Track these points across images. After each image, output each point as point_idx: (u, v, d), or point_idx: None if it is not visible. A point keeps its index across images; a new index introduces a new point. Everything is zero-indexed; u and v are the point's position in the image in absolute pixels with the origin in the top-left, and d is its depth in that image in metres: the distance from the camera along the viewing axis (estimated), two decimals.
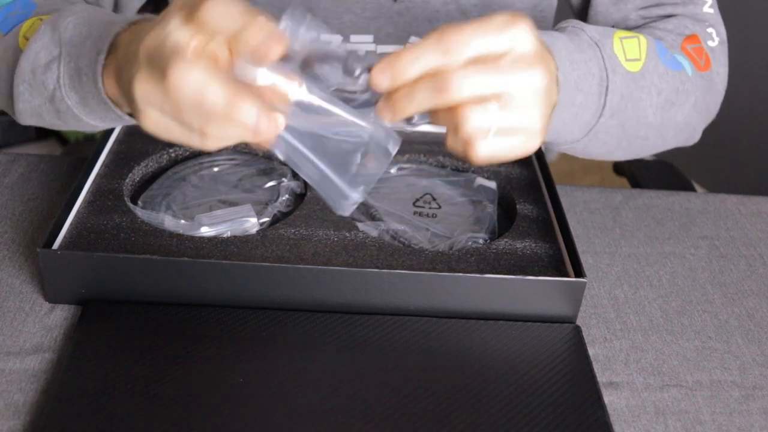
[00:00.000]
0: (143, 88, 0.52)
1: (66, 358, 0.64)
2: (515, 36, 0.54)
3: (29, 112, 0.69)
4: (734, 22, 0.81)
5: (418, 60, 0.53)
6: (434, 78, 0.53)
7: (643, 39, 0.72)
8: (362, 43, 0.89)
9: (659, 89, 0.72)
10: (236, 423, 0.60)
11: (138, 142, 0.84)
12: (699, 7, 0.82)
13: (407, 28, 0.89)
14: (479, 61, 0.53)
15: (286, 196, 0.79)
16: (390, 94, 0.54)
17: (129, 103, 0.54)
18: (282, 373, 0.64)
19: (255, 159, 0.85)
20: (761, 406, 0.67)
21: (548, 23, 1.00)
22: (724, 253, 0.84)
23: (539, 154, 0.87)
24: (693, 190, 1.16)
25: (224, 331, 0.67)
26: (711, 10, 0.82)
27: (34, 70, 0.66)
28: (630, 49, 0.70)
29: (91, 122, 0.67)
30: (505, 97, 0.54)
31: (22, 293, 0.71)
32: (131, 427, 0.59)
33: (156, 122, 0.53)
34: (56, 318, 0.69)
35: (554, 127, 0.65)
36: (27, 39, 0.68)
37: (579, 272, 0.70)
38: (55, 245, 0.70)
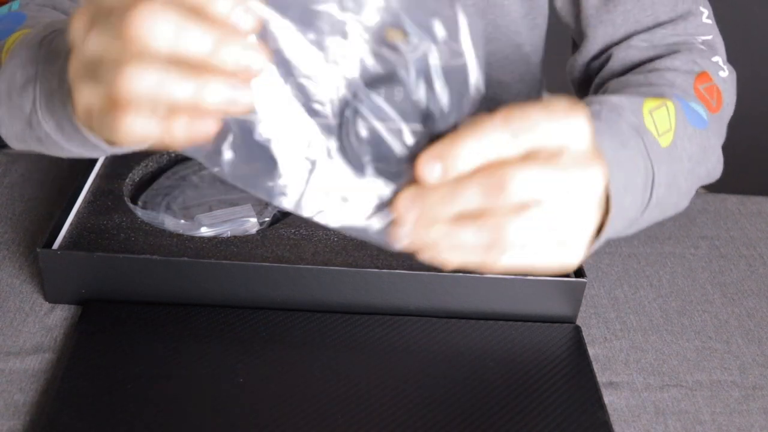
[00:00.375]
0: (85, 69, 0.44)
1: (66, 358, 0.64)
2: (575, 128, 0.46)
3: (14, 137, 0.63)
4: (735, 21, 0.80)
5: (478, 149, 0.44)
6: (489, 174, 0.44)
7: (670, 105, 0.67)
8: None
9: (689, 154, 0.68)
10: (236, 423, 0.60)
11: None
12: (698, 18, 0.79)
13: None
14: (537, 157, 0.45)
15: None
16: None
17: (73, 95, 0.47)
18: (282, 373, 0.64)
19: None
20: (761, 406, 0.67)
21: (542, 32, 0.99)
22: (724, 253, 0.84)
23: None
24: None
25: (224, 331, 0.67)
26: (709, 21, 0.80)
27: (10, 93, 0.60)
28: (661, 122, 0.65)
29: (74, 150, 0.60)
30: (556, 200, 0.45)
31: (22, 293, 0.71)
32: (131, 427, 0.59)
33: (88, 102, 0.45)
34: (56, 318, 0.69)
35: (608, 235, 0.58)
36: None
37: (579, 272, 0.70)
38: (55, 245, 0.70)
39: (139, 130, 0.43)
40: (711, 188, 1.03)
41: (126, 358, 0.64)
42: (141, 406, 0.60)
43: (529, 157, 0.44)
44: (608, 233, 0.58)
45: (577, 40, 0.86)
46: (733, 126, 0.79)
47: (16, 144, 0.65)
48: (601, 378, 0.67)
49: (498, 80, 0.96)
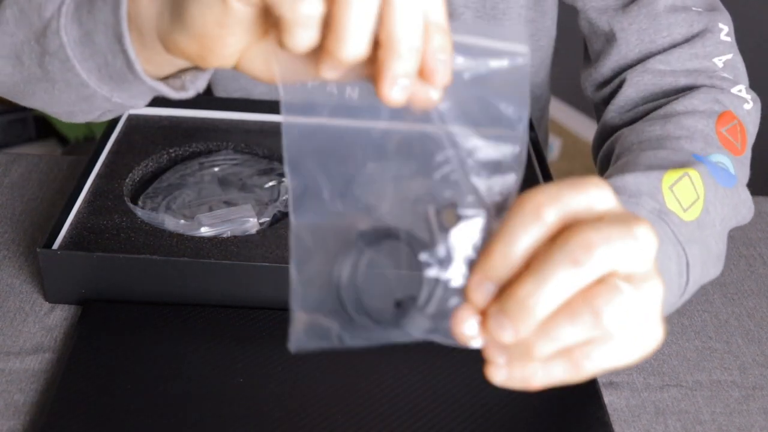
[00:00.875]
0: None
1: (66, 358, 0.64)
2: (642, 246, 0.39)
3: (3, 51, 0.55)
4: (735, 21, 0.80)
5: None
6: (567, 247, 0.38)
7: (694, 174, 0.62)
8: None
9: (722, 216, 0.65)
10: (236, 423, 0.60)
11: (138, 142, 0.84)
12: (716, 36, 0.76)
13: None
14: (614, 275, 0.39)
15: (287, 195, 0.79)
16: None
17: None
18: (282, 373, 0.64)
19: (255, 159, 0.85)
20: (761, 406, 0.67)
21: (546, 54, 0.99)
22: None
23: (539, 153, 0.87)
24: None
25: (224, 331, 0.67)
26: (728, 39, 0.77)
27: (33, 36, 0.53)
28: (685, 195, 0.61)
29: (82, 76, 0.53)
30: (627, 271, 0.40)
31: (22, 293, 0.71)
32: (131, 428, 0.59)
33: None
34: (56, 318, 0.69)
35: None
36: None
37: None
38: (55, 245, 0.70)
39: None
40: None
41: (126, 358, 0.64)
42: (141, 406, 0.60)
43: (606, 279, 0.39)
44: None
45: (591, 58, 0.84)
46: None
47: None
48: (601, 378, 0.67)
49: None
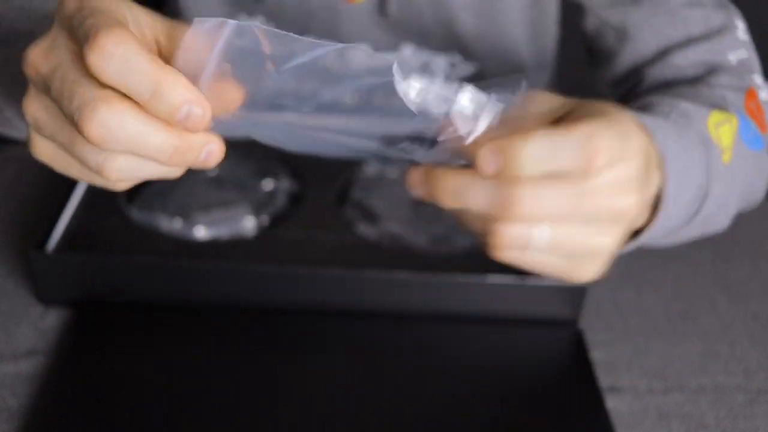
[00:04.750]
0: (33, 111, 0.44)
1: (60, 362, 0.63)
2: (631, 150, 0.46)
3: None
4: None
5: (540, 158, 0.44)
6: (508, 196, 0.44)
7: (734, 121, 0.63)
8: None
9: (744, 175, 0.65)
10: (235, 425, 0.59)
11: None
12: (734, 33, 0.76)
13: (402, 38, 0.88)
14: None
15: (284, 196, 0.79)
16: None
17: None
18: (281, 375, 0.63)
19: (253, 159, 0.84)
20: (766, 411, 0.66)
21: (549, 55, 0.99)
22: (728, 254, 0.83)
23: None
24: None
25: (222, 333, 0.67)
26: (745, 37, 0.76)
27: None
28: (724, 137, 0.62)
29: None
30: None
31: (15, 296, 0.70)
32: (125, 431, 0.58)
33: (49, 153, 0.46)
34: (50, 321, 0.68)
35: (646, 238, 0.57)
36: None
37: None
38: (49, 247, 0.69)
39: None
40: None
41: (120, 362, 0.63)
42: (134, 412, 0.59)
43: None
44: (647, 240, 0.57)
45: (602, 57, 0.82)
46: None
47: None
48: (604, 382, 0.66)
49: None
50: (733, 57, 0.75)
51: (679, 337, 0.72)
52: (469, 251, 0.73)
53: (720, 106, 0.65)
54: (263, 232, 0.73)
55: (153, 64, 0.40)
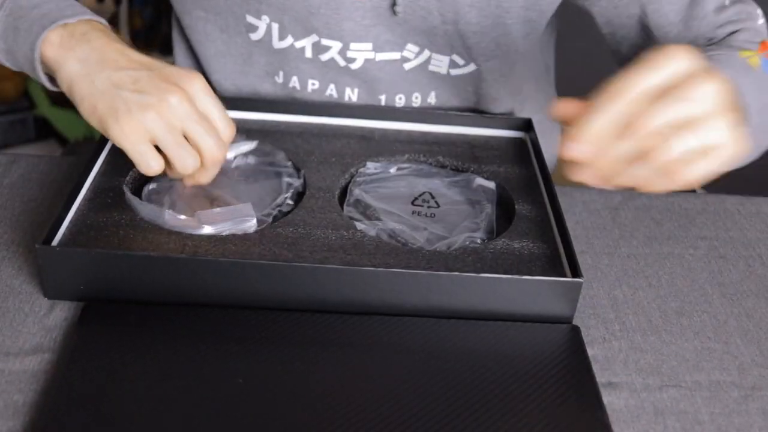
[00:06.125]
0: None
1: (66, 359, 0.64)
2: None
3: None
4: None
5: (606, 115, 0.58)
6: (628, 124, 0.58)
7: (755, 59, 0.75)
8: (361, 50, 0.90)
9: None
10: (236, 423, 0.60)
11: None
12: (755, 22, 0.86)
13: (405, 36, 0.89)
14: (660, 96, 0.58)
15: (289, 193, 0.79)
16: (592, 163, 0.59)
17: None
18: (281, 373, 0.64)
19: (258, 157, 0.85)
20: (760, 407, 0.67)
21: (547, 53, 1.01)
22: (723, 253, 0.84)
23: (538, 153, 0.87)
24: (692, 190, 1.16)
25: (224, 331, 0.67)
26: (764, 22, 0.87)
27: None
28: (754, 63, 0.75)
29: (12, 66, 0.77)
30: (692, 119, 0.58)
31: (22, 293, 0.71)
32: (131, 428, 0.59)
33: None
34: (56, 318, 0.69)
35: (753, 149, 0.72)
36: None
37: (576, 272, 0.70)
38: (55, 242, 0.70)
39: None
40: (710, 188, 1.03)
41: (126, 359, 0.64)
42: (141, 407, 0.60)
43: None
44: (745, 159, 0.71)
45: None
46: None
47: None
48: (600, 378, 0.67)
49: (493, 97, 0.97)
50: (756, 24, 0.86)
51: (675, 335, 0.73)
52: (466, 249, 0.74)
53: (742, 47, 0.79)
54: (264, 229, 0.74)
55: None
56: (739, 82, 0.66)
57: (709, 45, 0.85)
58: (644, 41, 0.90)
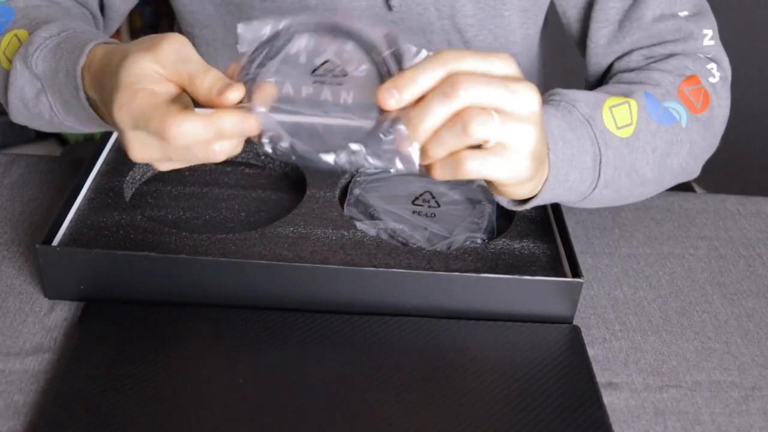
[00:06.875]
0: (137, 145, 0.57)
1: (66, 359, 0.64)
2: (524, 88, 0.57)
3: (42, 128, 0.76)
4: (733, 22, 0.81)
5: (424, 74, 0.55)
6: (443, 86, 0.55)
7: (633, 103, 0.73)
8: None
9: (654, 146, 0.73)
10: (236, 423, 0.60)
11: None
12: (699, 42, 0.81)
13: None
14: (483, 75, 0.55)
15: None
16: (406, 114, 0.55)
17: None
18: (282, 373, 0.64)
19: (266, 167, 0.84)
20: (760, 407, 0.67)
21: (534, 44, 1.01)
22: (724, 253, 0.84)
23: None
24: (692, 190, 1.16)
25: (224, 331, 0.67)
26: (712, 42, 0.82)
27: (26, 104, 0.71)
28: (621, 116, 0.72)
29: (98, 129, 0.72)
30: (504, 111, 0.56)
31: (22, 293, 0.71)
32: (131, 428, 0.59)
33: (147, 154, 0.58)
34: (56, 318, 0.69)
35: (547, 197, 0.68)
36: (7, 58, 0.71)
37: (576, 272, 0.70)
38: (55, 242, 0.70)
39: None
40: (710, 189, 1.03)
41: (126, 359, 0.64)
42: (141, 407, 0.60)
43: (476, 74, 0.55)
44: (546, 196, 0.67)
45: (588, 65, 0.88)
46: (734, 126, 0.79)
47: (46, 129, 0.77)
48: (601, 378, 0.67)
49: None
50: (693, 47, 0.81)
51: (675, 335, 0.73)
52: (466, 249, 0.74)
53: (626, 91, 0.75)
54: (264, 229, 0.74)
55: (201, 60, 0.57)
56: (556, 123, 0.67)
57: (631, 71, 0.82)
58: (580, 34, 0.89)
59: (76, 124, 0.71)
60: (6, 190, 0.84)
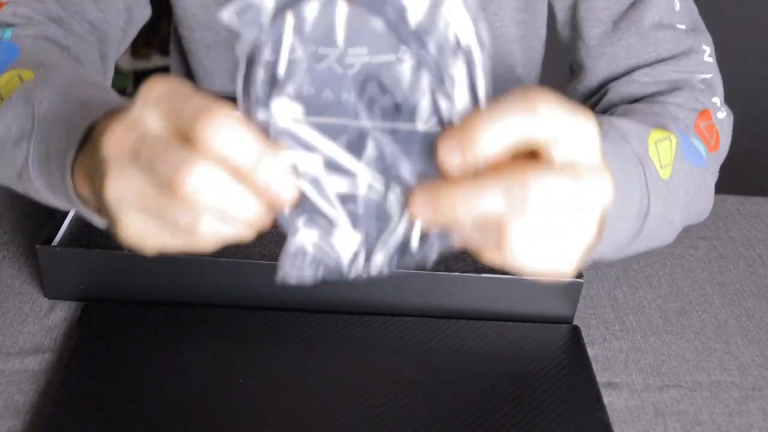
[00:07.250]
0: (118, 190, 0.43)
1: (66, 359, 0.64)
2: (590, 134, 0.41)
3: (2, 179, 0.65)
4: (734, 22, 0.80)
5: (500, 132, 0.40)
6: (510, 176, 0.40)
7: (674, 139, 0.66)
8: (357, 54, 0.89)
9: (686, 190, 0.67)
10: (236, 423, 0.60)
11: None
12: (700, 56, 0.78)
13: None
14: (553, 164, 0.41)
15: None
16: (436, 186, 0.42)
17: (102, 208, 0.47)
18: (282, 373, 0.64)
19: None
20: (760, 407, 0.67)
21: (537, 55, 1.00)
22: (724, 253, 0.84)
23: None
24: None
25: (224, 331, 0.67)
26: (710, 59, 0.79)
27: (4, 143, 0.61)
28: (664, 154, 0.65)
29: (65, 207, 0.61)
30: (564, 209, 0.41)
31: (22, 293, 0.71)
32: (131, 428, 0.59)
33: (138, 229, 0.45)
34: (56, 318, 0.69)
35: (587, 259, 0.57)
36: (2, 99, 0.63)
37: (576, 272, 0.70)
38: (55, 242, 0.70)
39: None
40: None
41: (126, 359, 0.64)
42: (141, 407, 0.60)
43: (547, 164, 0.40)
44: (596, 254, 0.61)
45: (575, 69, 0.85)
46: (734, 127, 0.79)
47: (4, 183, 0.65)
48: (601, 378, 0.67)
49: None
50: (697, 77, 0.77)
51: (675, 335, 0.73)
52: (467, 249, 0.74)
53: (663, 124, 0.68)
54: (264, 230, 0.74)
55: (257, 137, 0.41)
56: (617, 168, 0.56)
57: (635, 101, 0.76)
58: (571, 39, 0.85)
59: (44, 188, 0.60)
60: (6, 190, 0.84)
